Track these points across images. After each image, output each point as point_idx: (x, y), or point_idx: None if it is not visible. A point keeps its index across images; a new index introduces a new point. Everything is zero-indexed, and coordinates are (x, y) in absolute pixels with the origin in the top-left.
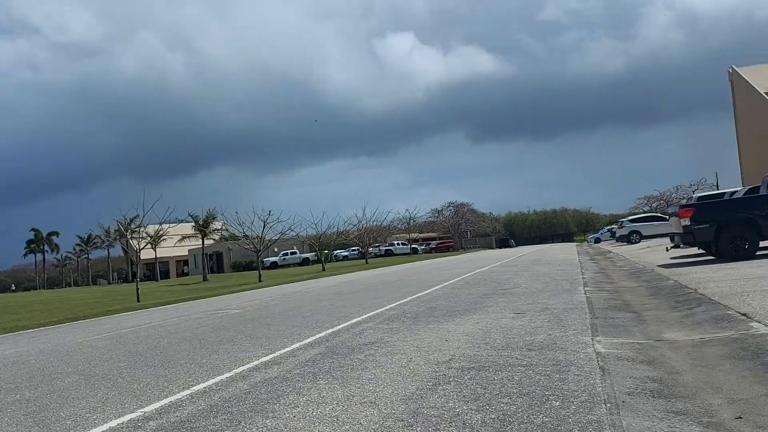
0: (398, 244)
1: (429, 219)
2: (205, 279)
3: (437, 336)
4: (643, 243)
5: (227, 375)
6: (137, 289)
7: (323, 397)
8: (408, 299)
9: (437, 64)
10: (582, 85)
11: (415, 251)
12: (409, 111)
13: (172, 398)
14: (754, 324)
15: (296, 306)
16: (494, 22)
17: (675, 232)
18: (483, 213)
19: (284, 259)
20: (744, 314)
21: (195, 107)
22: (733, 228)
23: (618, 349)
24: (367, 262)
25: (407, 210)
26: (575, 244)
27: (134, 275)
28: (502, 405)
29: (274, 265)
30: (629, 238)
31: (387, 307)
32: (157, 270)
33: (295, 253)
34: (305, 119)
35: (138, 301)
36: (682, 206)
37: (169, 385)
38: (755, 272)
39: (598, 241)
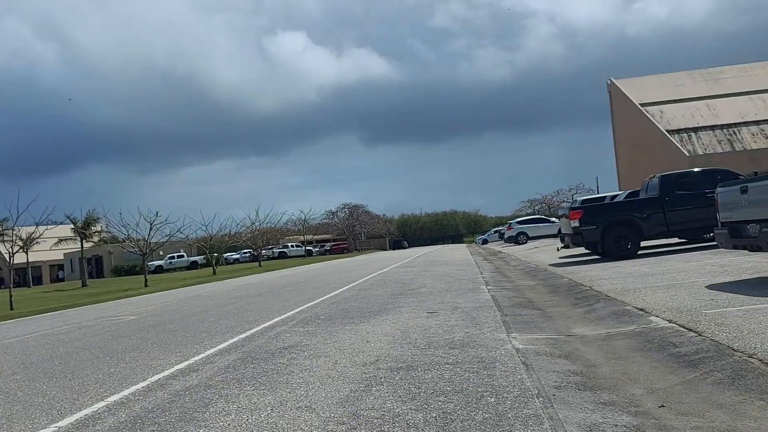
0: (292, 246)
1: (323, 221)
2: (84, 284)
3: (357, 337)
4: (530, 243)
5: (143, 384)
6: (10, 296)
7: (254, 403)
8: (317, 301)
9: (330, 65)
10: (470, 91)
11: (310, 253)
12: (301, 111)
13: (87, 411)
14: (653, 318)
15: (199, 311)
16: (386, 26)
17: (565, 232)
18: (377, 215)
19: (170, 262)
20: (641, 309)
21: (69, 101)
22: (617, 229)
23: (534, 345)
24: (260, 265)
25: (302, 211)
26: (466, 245)
27: (2, 281)
28: (439, 403)
29: (159, 269)
30: (517, 239)
31: (297, 310)
32: (29, 275)
33: (182, 256)
34: (190, 117)
35: (11, 309)
36: (572, 209)
37: (79, 397)
38: (640, 270)
39: (485, 242)
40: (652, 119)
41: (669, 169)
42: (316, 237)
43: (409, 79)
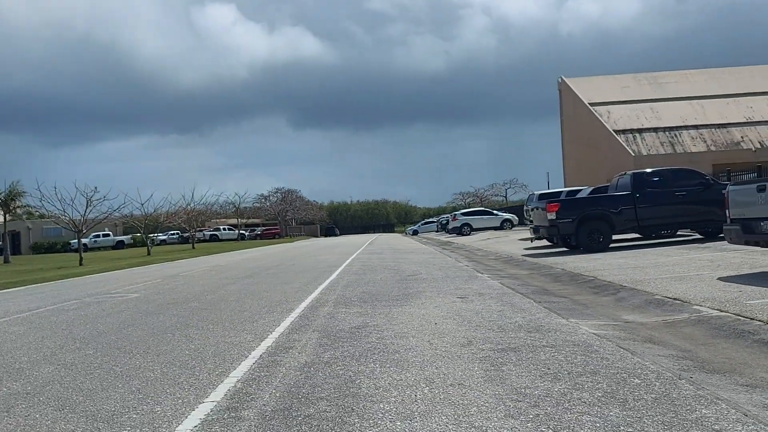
0: (224, 229)
1: (255, 204)
2: (7, 261)
3: (418, 320)
4: (476, 235)
5: (251, 361)
6: None
7: (401, 380)
8: (326, 284)
9: (261, 42)
10: (403, 79)
11: (243, 237)
12: (228, 89)
13: (226, 386)
14: (698, 308)
15: (204, 291)
16: (322, 5)
17: (539, 224)
18: (310, 200)
19: (95, 241)
20: (676, 299)
21: None
22: (591, 223)
23: (605, 330)
24: (194, 247)
25: (236, 194)
26: (401, 234)
27: None
28: (589, 383)
29: (83, 248)
30: (461, 230)
31: (317, 292)
32: None
33: (108, 235)
34: (109, 87)
35: None
36: (549, 202)
37: (195, 373)
38: (627, 262)
39: (415, 233)
40: (600, 118)
41: (616, 167)
42: (245, 221)
43: (343, 62)
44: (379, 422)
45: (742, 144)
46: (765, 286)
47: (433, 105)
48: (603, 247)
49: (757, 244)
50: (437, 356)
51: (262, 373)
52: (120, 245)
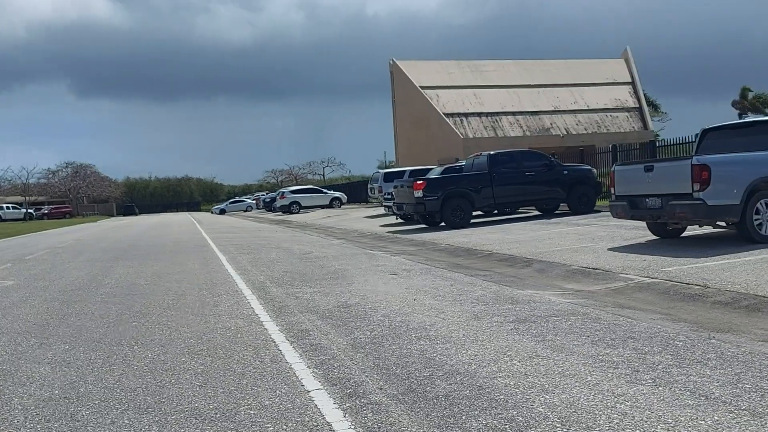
0: (8, 207)
1: (41, 180)
2: None
3: (392, 297)
4: (307, 213)
5: (288, 346)
6: None
7: (475, 354)
8: (227, 265)
9: None
10: (206, 49)
11: (30, 216)
12: (2, 50)
13: (305, 374)
14: (628, 276)
15: (93, 275)
16: None
17: (403, 202)
18: (107, 177)
19: None
20: (596, 269)
21: None
22: (454, 200)
23: (570, 299)
24: None
25: (24, 168)
26: (210, 213)
27: None
28: (645, 348)
29: None
30: (289, 208)
31: (233, 273)
32: None
33: None
34: None
35: None
36: (416, 180)
37: (241, 362)
38: (503, 237)
39: (223, 212)
40: (430, 102)
41: (447, 149)
42: (31, 199)
43: (137, 27)
44: (525, 395)
45: (551, 130)
46: (662, 255)
47: (238, 78)
48: (464, 223)
49: (642, 218)
50: (470, 330)
51: (322, 357)
52: None
